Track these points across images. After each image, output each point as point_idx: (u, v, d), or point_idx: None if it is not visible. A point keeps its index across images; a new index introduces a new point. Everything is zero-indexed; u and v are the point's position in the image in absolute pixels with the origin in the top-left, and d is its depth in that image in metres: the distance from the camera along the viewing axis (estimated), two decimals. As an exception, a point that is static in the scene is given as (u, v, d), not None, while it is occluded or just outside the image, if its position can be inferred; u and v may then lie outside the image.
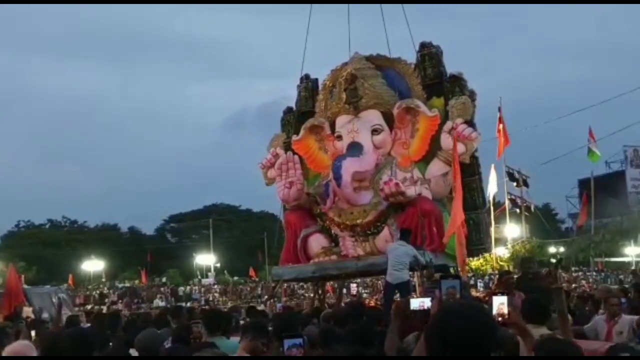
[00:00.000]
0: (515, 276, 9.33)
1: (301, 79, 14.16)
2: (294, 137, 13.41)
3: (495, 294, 2.86)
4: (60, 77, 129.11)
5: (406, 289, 10.41)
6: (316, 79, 13.79)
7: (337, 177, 11.63)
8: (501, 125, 18.84)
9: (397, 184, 11.34)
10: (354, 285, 27.69)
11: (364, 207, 11.92)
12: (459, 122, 11.55)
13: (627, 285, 26.56)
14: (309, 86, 13.95)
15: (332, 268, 12.29)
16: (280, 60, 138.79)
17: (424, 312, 3.13)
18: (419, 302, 3.20)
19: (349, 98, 12.58)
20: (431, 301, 3.03)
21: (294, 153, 13.14)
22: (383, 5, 14.16)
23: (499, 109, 19.27)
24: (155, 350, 4.81)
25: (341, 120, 12.72)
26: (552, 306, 6.16)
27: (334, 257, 12.25)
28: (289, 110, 14.23)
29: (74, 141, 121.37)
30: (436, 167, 11.86)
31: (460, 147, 11.46)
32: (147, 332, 5.17)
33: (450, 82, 12.32)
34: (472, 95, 12.35)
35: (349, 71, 12.76)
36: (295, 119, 13.90)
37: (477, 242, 12.02)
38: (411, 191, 11.44)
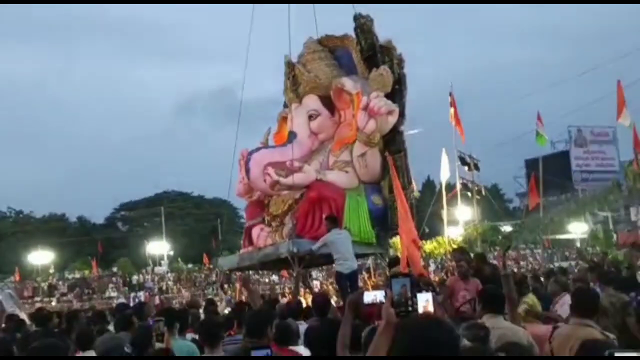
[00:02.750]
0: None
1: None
2: (272, 130, 13.39)
3: (420, 291, 2.85)
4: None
5: (356, 279, 10.36)
6: None
7: (247, 170, 11.56)
8: (452, 110, 19.10)
9: (268, 173, 11.14)
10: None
11: (283, 197, 11.85)
12: (373, 96, 10.98)
13: (572, 262, 27.54)
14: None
15: (246, 259, 12.45)
16: (229, 44, 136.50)
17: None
18: (372, 296, 3.19)
19: (291, 86, 12.63)
20: (384, 295, 3.02)
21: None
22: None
23: (450, 94, 19.55)
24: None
25: (291, 109, 12.68)
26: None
27: (250, 248, 12.32)
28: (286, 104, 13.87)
29: (14, 128, 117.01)
30: (357, 148, 11.43)
31: (371, 124, 10.94)
32: (107, 338, 4.94)
33: (381, 53, 11.93)
34: (400, 62, 11.88)
35: (287, 59, 12.68)
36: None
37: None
38: (289, 180, 11.10)
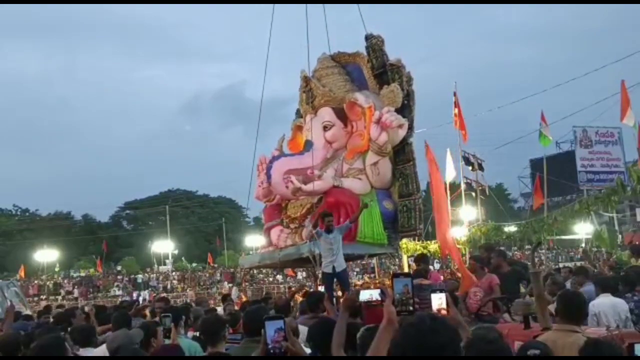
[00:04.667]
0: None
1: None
2: (287, 138, 14.22)
3: (435, 291, 2.93)
4: (1, 58, 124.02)
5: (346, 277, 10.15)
6: None
7: (268, 177, 12.28)
8: (456, 110, 19.04)
9: (291, 180, 11.84)
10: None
11: (302, 201, 12.63)
12: (385, 110, 11.86)
13: (578, 263, 27.48)
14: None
15: (267, 258, 13.43)
16: (232, 44, 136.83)
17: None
18: (367, 295, 3.21)
19: (307, 99, 13.42)
20: (379, 294, 3.04)
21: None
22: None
23: (455, 94, 19.49)
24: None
25: (306, 119, 13.49)
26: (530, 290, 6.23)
27: (270, 248, 13.19)
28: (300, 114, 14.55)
29: (20, 126, 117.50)
30: (369, 157, 12.35)
31: (383, 136, 11.82)
32: (119, 334, 4.92)
33: (391, 71, 12.71)
34: (409, 80, 12.68)
35: (304, 74, 13.47)
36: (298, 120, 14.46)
37: (408, 228, 12.46)
38: (310, 186, 11.84)
